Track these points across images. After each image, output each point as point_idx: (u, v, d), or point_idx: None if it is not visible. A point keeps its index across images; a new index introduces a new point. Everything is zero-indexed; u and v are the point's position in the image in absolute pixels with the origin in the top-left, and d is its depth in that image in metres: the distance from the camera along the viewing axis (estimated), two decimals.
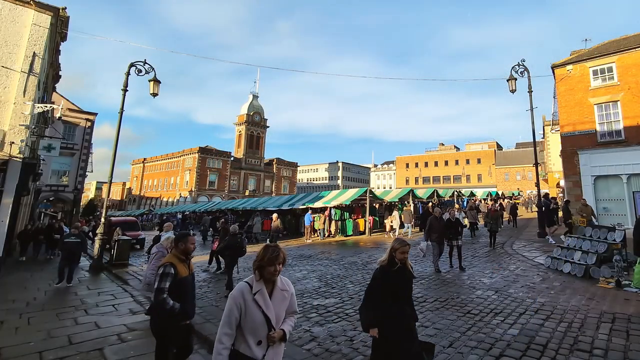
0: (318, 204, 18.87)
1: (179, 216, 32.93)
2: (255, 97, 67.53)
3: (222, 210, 28.79)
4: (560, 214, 14.15)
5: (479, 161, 61.89)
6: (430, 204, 21.83)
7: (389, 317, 3.06)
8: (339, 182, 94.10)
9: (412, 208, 19.37)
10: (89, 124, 29.72)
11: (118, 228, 14.47)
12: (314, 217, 18.15)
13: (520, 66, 14.66)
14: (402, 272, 3.21)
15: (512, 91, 14.75)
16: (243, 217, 24.35)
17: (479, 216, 16.92)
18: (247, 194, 59.86)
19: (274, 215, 14.40)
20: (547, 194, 14.79)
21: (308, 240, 17.12)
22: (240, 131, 65.32)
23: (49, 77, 15.46)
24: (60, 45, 14.99)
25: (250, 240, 18.44)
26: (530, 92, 14.64)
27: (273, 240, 13.73)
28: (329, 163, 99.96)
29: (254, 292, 2.27)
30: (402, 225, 16.56)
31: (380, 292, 3.13)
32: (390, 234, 17.04)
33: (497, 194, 37.14)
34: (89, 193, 77.21)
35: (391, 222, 17.10)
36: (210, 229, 20.48)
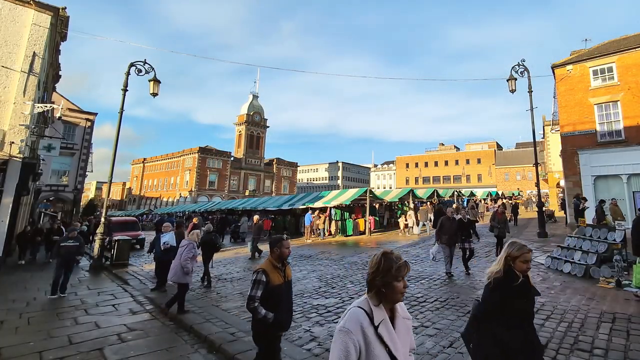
0: (318, 204, 18.86)
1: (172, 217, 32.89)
2: (255, 97, 67.51)
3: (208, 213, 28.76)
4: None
5: (479, 161, 61.87)
6: (429, 203, 21.86)
7: (510, 340, 2.30)
8: (339, 182, 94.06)
9: (428, 206, 19.88)
10: (88, 123, 29.73)
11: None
12: (314, 217, 18.16)
13: (520, 66, 14.65)
14: (525, 289, 2.36)
15: (512, 91, 14.74)
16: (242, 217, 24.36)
17: (478, 216, 17.02)
18: (247, 194, 59.83)
19: (255, 217, 13.72)
20: (578, 194, 13.33)
21: (308, 240, 17.13)
22: (240, 131, 65.30)
23: (49, 77, 15.46)
24: (60, 45, 15.00)
25: (236, 240, 19.39)
26: (530, 92, 14.63)
27: (254, 243, 12.71)
28: (329, 163, 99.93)
29: (376, 324, 1.63)
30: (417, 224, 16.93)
31: (496, 316, 2.33)
32: (407, 231, 17.35)
33: (497, 194, 37.17)
34: (88, 193, 77.16)
35: (405, 220, 17.32)
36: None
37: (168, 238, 8.23)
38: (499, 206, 11.88)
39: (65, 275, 8.05)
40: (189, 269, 6.21)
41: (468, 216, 9.32)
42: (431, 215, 17.60)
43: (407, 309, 6.08)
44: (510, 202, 26.44)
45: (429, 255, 8.68)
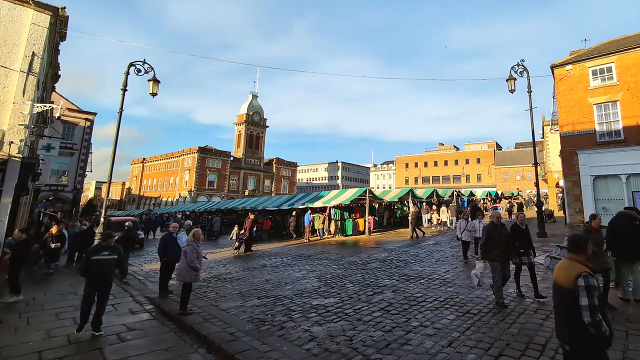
0: (318, 204, 18.87)
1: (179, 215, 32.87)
2: (255, 97, 67.55)
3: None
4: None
5: (478, 161, 61.91)
6: (445, 203, 22.29)
7: None
8: (339, 182, 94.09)
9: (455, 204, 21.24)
10: (88, 123, 29.69)
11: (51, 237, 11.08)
12: (313, 217, 18.17)
13: (520, 66, 14.66)
14: None
15: (512, 91, 14.76)
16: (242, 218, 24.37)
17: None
18: (246, 193, 59.82)
19: (187, 222, 12.36)
20: None
21: (307, 241, 17.13)
22: (239, 131, 65.31)
23: (48, 76, 15.45)
24: (60, 44, 14.97)
25: (210, 238, 21.15)
26: (529, 92, 14.65)
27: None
28: (329, 163, 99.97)
29: None
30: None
31: None
32: (440, 227, 18.10)
33: (496, 193, 37.21)
34: (88, 193, 77.12)
35: (439, 215, 17.87)
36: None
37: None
38: (589, 220, 6.15)
39: (99, 302, 5.63)
40: (197, 266, 6.40)
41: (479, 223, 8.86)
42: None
43: (406, 309, 6.08)
44: (516, 201, 26.74)
45: (472, 279, 6.20)
